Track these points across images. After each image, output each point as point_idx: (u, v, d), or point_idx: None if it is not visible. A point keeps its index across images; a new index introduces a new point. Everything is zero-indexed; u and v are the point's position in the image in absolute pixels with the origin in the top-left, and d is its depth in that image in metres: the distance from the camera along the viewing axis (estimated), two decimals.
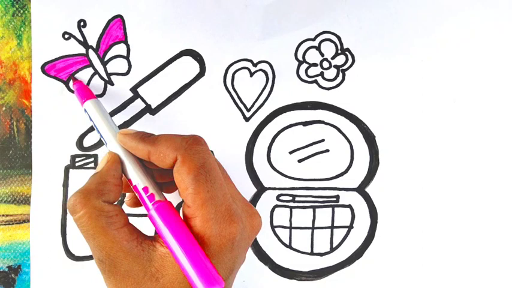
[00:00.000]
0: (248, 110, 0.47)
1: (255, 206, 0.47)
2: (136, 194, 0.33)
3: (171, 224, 0.30)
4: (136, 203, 0.38)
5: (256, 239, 0.47)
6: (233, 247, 0.29)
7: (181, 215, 0.31)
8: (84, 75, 0.47)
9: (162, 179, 0.36)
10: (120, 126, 0.47)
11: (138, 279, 0.29)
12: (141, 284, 0.28)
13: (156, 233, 0.32)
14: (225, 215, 0.29)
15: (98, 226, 0.30)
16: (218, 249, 0.29)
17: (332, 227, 0.48)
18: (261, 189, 0.47)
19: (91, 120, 0.39)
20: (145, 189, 0.32)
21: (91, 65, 0.46)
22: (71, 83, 0.46)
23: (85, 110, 0.40)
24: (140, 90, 0.47)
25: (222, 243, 0.29)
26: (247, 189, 0.47)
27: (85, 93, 0.42)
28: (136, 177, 0.33)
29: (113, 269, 0.29)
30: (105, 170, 0.32)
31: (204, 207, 0.29)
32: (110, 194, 0.32)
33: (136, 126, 0.47)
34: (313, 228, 0.47)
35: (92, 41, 0.46)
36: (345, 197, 0.48)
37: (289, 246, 0.48)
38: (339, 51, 0.47)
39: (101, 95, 0.47)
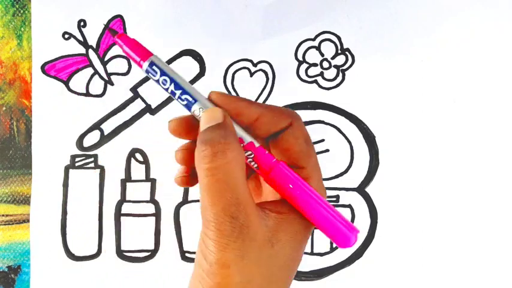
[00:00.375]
0: None
1: None
2: (250, 153, 0.29)
3: (299, 181, 0.29)
4: (187, 180, 0.31)
5: None
6: None
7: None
8: (84, 75, 0.47)
9: None
10: (120, 126, 0.47)
11: (260, 243, 0.26)
12: (262, 250, 0.26)
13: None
14: (322, 183, 0.31)
15: (241, 176, 0.26)
16: None
17: None
18: None
19: (160, 83, 0.30)
20: (261, 148, 0.29)
21: (91, 65, 0.46)
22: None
23: (150, 69, 0.30)
24: (140, 90, 0.47)
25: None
26: None
27: (141, 49, 0.31)
28: (249, 137, 0.29)
29: (244, 230, 0.26)
30: (229, 121, 0.28)
31: (317, 169, 0.30)
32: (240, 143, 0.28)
33: (137, 126, 0.47)
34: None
35: (92, 41, 0.46)
36: (345, 197, 0.48)
37: None
38: (339, 51, 0.47)
39: (101, 95, 0.47)
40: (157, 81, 0.29)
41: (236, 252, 0.26)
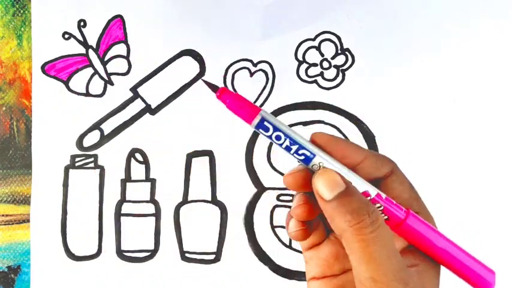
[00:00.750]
0: None
1: (255, 206, 0.47)
2: (379, 206, 0.27)
3: (433, 229, 0.28)
4: (306, 233, 0.30)
5: (256, 239, 0.47)
6: None
7: None
8: (84, 75, 0.47)
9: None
10: (120, 126, 0.47)
11: None
12: None
13: None
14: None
15: (393, 241, 0.26)
16: None
17: None
18: (261, 189, 0.47)
19: (273, 138, 0.28)
20: (388, 198, 0.27)
21: (91, 65, 0.46)
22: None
23: (260, 126, 0.28)
24: (140, 90, 0.47)
25: None
26: (247, 189, 0.47)
27: (247, 105, 0.29)
28: (371, 187, 0.27)
29: None
30: (350, 184, 0.27)
31: (427, 211, 0.30)
32: None
33: (137, 126, 0.47)
34: None
35: (92, 41, 0.46)
36: None
37: (289, 247, 0.48)
38: (339, 51, 0.47)
39: (101, 95, 0.47)
40: (269, 136, 0.28)
41: None
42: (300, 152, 0.28)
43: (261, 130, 0.28)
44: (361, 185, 0.27)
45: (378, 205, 0.27)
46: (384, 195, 0.27)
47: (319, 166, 0.27)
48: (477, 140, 0.47)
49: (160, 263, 0.47)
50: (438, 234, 0.28)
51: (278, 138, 0.28)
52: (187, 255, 0.47)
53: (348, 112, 0.47)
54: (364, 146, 0.48)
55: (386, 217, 0.27)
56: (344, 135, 0.47)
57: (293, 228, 0.29)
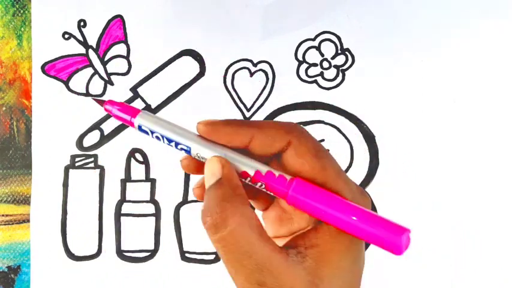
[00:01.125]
0: (248, 110, 0.47)
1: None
2: (260, 185, 0.27)
3: (321, 192, 0.26)
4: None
5: None
6: None
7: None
8: (84, 75, 0.47)
9: None
10: (120, 126, 0.47)
11: None
12: None
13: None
14: (358, 189, 0.27)
15: (254, 237, 0.24)
16: None
17: None
18: None
19: (151, 134, 0.31)
20: (269, 173, 0.27)
21: (91, 65, 0.46)
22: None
23: (140, 127, 0.32)
24: (140, 90, 0.47)
25: None
26: None
27: (128, 109, 0.33)
28: (253, 165, 0.27)
29: None
30: (227, 172, 0.26)
31: (342, 178, 0.26)
32: (245, 197, 0.26)
33: None
34: None
35: (92, 41, 0.46)
36: None
37: None
38: (339, 51, 0.47)
39: (101, 95, 0.47)
40: (153, 137, 0.31)
41: None
42: (179, 147, 0.29)
43: (143, 134, 0.31)
44: (241, 164, 0.27)
45: (260, 184, 0.27)
46: (264, 171, 0.27)
47: (198, 156, 0.28)
48: (477, 140, 0.47)
49: (160, 263, 0.47)
50: (329, 197, 0.25)
51: (158, 138, 0.30)
52: (187, 255, 0.47)
53: (348, 112, 0.47)
54: (364, 146, 0.48)
55: (271, 193, 0.27)
56: (344, 135, 0.47)
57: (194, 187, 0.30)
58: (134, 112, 0.31)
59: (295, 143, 0.27)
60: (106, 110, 0.32)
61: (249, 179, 0.27)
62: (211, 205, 0.25)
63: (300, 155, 0.26)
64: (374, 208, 0.47)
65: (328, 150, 0.30)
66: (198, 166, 0.29)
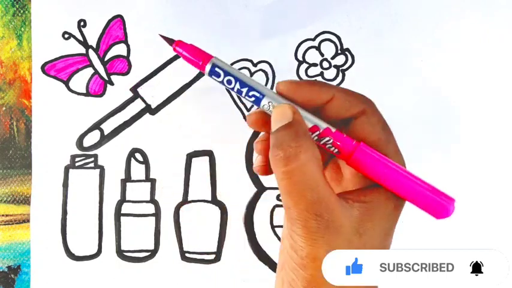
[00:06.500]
0: (248, 110, 0.47)
1: (255, 206, 0.47)
2: (328, 139, 0.28)
3: (384, 159, 0.28)
4: (265, 169, 0.32)
5: (256, 238, 0.47)
6: None
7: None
8: (84, 75, 0.47)
9: None
10: (120, 126, 0.47)
11: (348, 235, 0.26)
12: (350, 241, 0.26)
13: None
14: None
15: (319, 174, 0.26)
16: None
17: None
18: (261, 189, 0.47)
19: (225, 83, 0.30)
20: (338, 131, 0.28)
21: (91, 65, 0.47)
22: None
23: (212, 72, 0.30)
24: (140, 90, 0.47)
25: None
26: (247, 189, 0.47)
27: (200, 53, 0.31)
28: (323, 123, 0.28)
29: (331, 224, 0.26)
30: (298, 118, 0.28)
31: (398, 155, 0.30)
32: (314, 141, 0.28)
33: (137, 126, 0.47)
34: None
35: (92, 41, 0.46)
36: None
37: None
38: (339, 51, 0.47)
39: (101, 95, 0.47)
40: (222, 81, 0.30)
41: (325, 246, 0.26)
42: (250, 93, 0.29)
43: (213, 77, 0.30)
44: (311, 120, 0.29)
45: (328, 139, 0.28)
46: (333, 129, 0.29)
47: (269, 106, 0.29)
48: (477, 140, 0.47)
49: (160, 263, 0.47)
50: (390, 163, 0.28)
51: (229, 82, 0.30)
52: (187, 255, 0.47)
53: None
54: None
55: (336, 150, 0.29)
56: None
57: (256, 163, 0.33)
58: (207, 55, 0.31)
59: (369, 113, 0.29)
60: (175, 50, 0.32)
61: (317, 132, 0.29)
62: (285, 140, 0.26)
63: (372, 124, 0.29)
64: None
65: None
66: (266, 122, 0.30)
